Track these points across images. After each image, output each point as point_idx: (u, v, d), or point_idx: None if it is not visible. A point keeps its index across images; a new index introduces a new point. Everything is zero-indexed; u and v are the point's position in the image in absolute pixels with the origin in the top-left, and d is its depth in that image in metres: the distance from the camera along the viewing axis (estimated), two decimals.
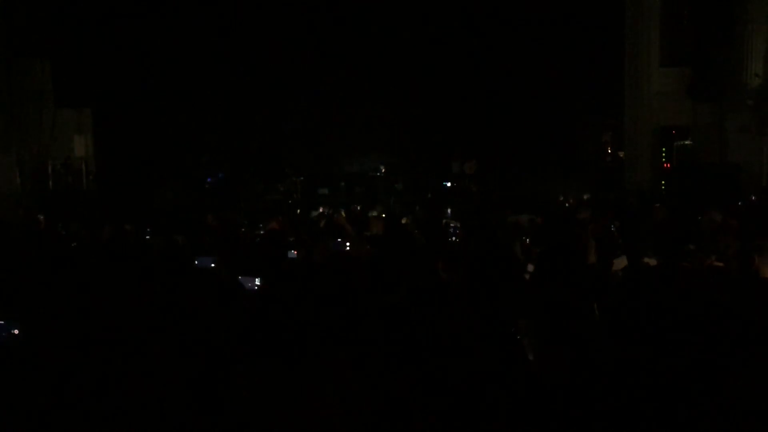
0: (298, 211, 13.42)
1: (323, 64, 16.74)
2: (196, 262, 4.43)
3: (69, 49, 14.43)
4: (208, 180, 17.14)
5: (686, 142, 14.29)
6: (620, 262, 5.72)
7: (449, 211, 12.44)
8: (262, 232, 8.12)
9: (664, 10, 14.51)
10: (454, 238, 7.61)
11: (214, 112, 16.63)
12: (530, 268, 5.03)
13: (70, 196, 14.08)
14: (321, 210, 11.17)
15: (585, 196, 11.85)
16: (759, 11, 13.06)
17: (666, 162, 14.44)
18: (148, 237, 8.18)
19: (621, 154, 15.90)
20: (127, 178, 15.34)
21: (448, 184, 17.65)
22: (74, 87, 14.65)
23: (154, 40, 15.54)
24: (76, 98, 14.87)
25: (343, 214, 8.40)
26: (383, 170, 18.13)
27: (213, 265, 4.39)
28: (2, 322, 2.98)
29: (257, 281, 4.19)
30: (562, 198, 12.78)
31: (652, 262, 5.25)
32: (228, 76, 16.41)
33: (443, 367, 3.72)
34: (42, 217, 10.15)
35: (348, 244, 4.89)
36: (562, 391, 3.25)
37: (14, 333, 2.95)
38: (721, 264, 4.92)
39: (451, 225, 8.39)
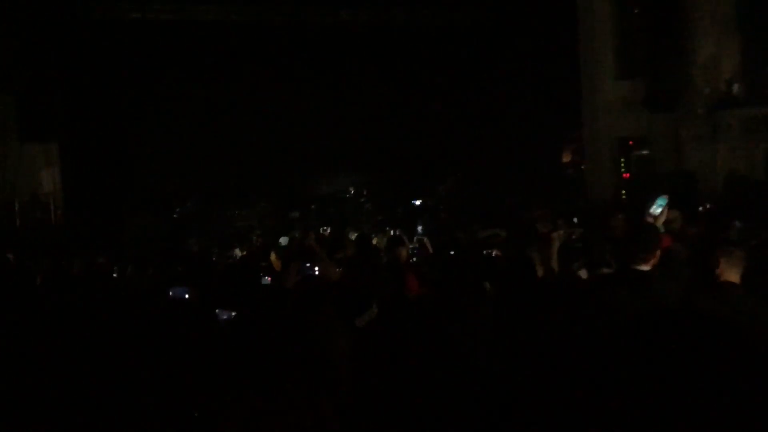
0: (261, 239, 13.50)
1: (289, 87, 16.92)
2: (170, 293, 4.51)
3: (32, 83, 14.42)
4: (177, 210, 17.17)
5: (644, 152, 14.73)
6: (582, 273, 5.94)
7: (419, 228, 12.67)
8: (231, 261, 8.24)
9: (615, 24, 15.01)
10: (414, 258, 7.80)
11: (180, 140, 16.69)
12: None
13: (39, 231, 14.01)
14: (289, 236, 11.30)
15: (542, 210, 12.16)
16: (707, 22, 13.59)
17: (625, 172, 14.85)
18: (120, 269, 8.24)
19: (578, 164, 16.31)
20: (96, 210, 15.30)
21: (417, 203, 17.90)
22: (39, 121, 14.63)
23: (119, 72, 15.61)
24: (41, 132, 14.83)
25: (312, 236, 8.55)
26: (352, 191, 18.33)
27: (187, 296, 4.48)
28: None
29: (232, 314, 4.22)
30: (525, 212, 13.08)
31: (606, 271, 5.47)
32: (194, 102, 16.51)
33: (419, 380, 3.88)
34: (11, 256, 10.12)
35: (317, 267, 5.04)
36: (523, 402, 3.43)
37: None
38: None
39: (414, 242, 8.59)
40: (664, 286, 4.56)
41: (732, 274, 4.34)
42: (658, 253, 4.69)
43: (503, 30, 16.04)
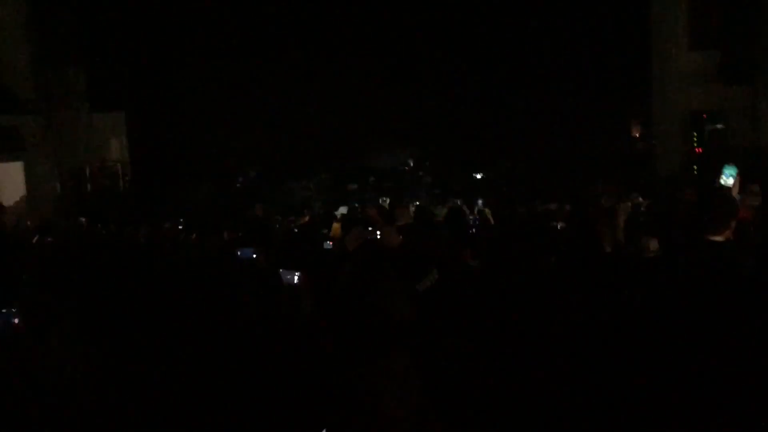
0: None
1: (351, 60, 16.87)
2: (239, 253, 4.58)
3: (101, 54, 14.79)
4: (240, 179, 17.44)
5: (718, 126, 14.14)
6: (653, 244, 5.72)
7: (480, 201, 12.52)
8: (295, 228, 8.30)
9: None
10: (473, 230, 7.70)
11: (244, 112, 16.89)
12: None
13: (107, 198, 14.45)
14: (348, 206, 11.31)
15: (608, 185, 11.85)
16: None
17: (698, 147, 14.29)
18: (185, 235, 8.40)
19: (652, 142, 15.78)
20: (161, 178, 15.68)
21: (478, 176, 17.70)
22: (108, 91, 15.03)
23: (183, 43, 15.84)
24: (109, 102, 15.24)
25: (373, 206, 8.54)
26: (412, 164, 18.23)
27: (254, 256, 4.54)
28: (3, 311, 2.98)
29: (297, 275, 4.25)
30: (591, 186, 12.76)
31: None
32: (258, 75, 16.66)
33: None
34: (84, 220, 10.47)
35: (378, 233, 5.01)
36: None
37: (14, 322, 2.94)
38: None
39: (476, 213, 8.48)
40: (737, 258, 4.37)
41: None
42: (733, 224, 4.48)
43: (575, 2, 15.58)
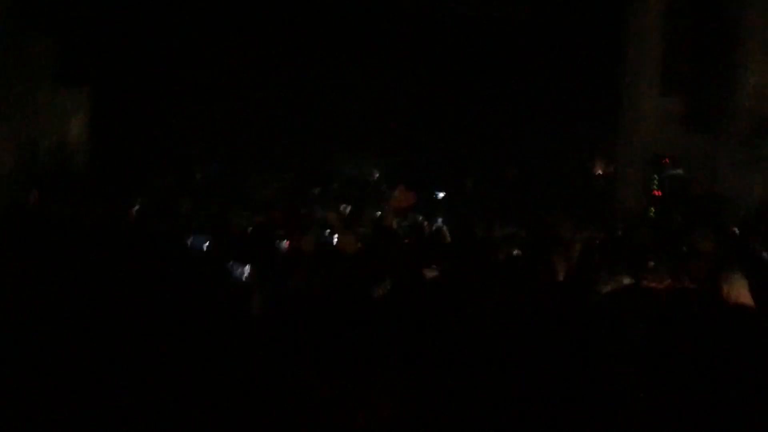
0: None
1: (324, 66, 16.81)
2: (191, 240, 4.48)
3: (71, 28, 14.42)
4: (199, 173, 17.11)
5: (677, 171, 14.48)
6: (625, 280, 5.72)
7: (439, 219, 12.55)
8: (252, 225, 8.17)
9: (663, 39, 14.73)
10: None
11: (211, 104, 16.65)
12: None
13: (61, 175, 14.05)
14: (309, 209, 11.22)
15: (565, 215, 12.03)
16: (757, 46, 13.30)
17: (657, 189, 14.63)
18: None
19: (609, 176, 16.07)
20: (120, 162, 15.33)
21: (440, 195, 17.73)
22: (75, 66, 14.66)
23: (158, 28, 15.59)
24: (75, 78, 14.86)
25: (333, 211, 8.48)
26: (377, 176, 18.18)
27: (206, 245, 4.44)
28: None
29: (247, 269, 4.20)
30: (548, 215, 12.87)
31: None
32: (229, 68, 16.47)
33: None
34: (36, 193, 10.14)
35: (335, 236, 4.97)
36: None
37: None
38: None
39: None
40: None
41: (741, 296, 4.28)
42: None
43: (546, 30, 15.79)
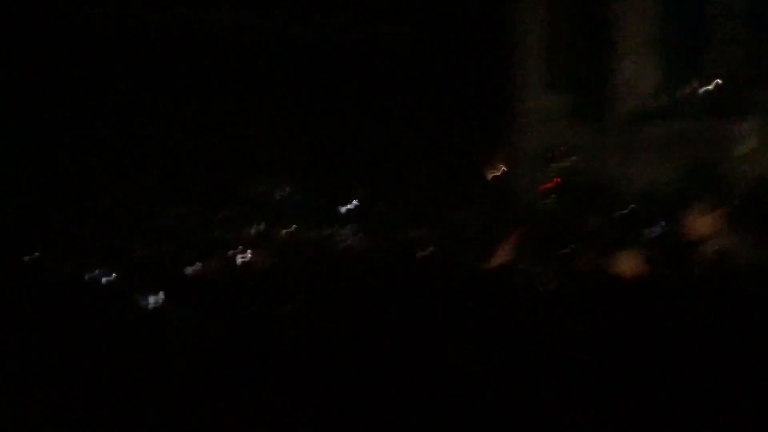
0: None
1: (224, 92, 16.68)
2: (90, 276, 4.37)
3: None
4: (100, 203, 16.54)
5: (567, 164, 15.29)
6: None
7: (349, 227, 12.70)
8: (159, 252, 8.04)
9: (547, 40, 15.61)
10: None
11: (109, 130, 16.20)
12: None
13: None
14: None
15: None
16: (629, 39, 14.33)
17: (547, 183, 15.37)
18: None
19: (502, 171, 16.73)
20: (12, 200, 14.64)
21: (350, 206, 17.86)
22: None
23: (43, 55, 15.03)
24: None
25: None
26: (288, 190, 18.15)
27: (108, 279, 4.36)
28: None
29: (161, 296, 4.12)
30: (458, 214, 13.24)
31: None
32: (126, 96, 16.09)
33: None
34: None
35: (249, 254, 5.02)
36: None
37: None
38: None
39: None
40: None
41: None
42: None
43: (431, 39, 16.33)
